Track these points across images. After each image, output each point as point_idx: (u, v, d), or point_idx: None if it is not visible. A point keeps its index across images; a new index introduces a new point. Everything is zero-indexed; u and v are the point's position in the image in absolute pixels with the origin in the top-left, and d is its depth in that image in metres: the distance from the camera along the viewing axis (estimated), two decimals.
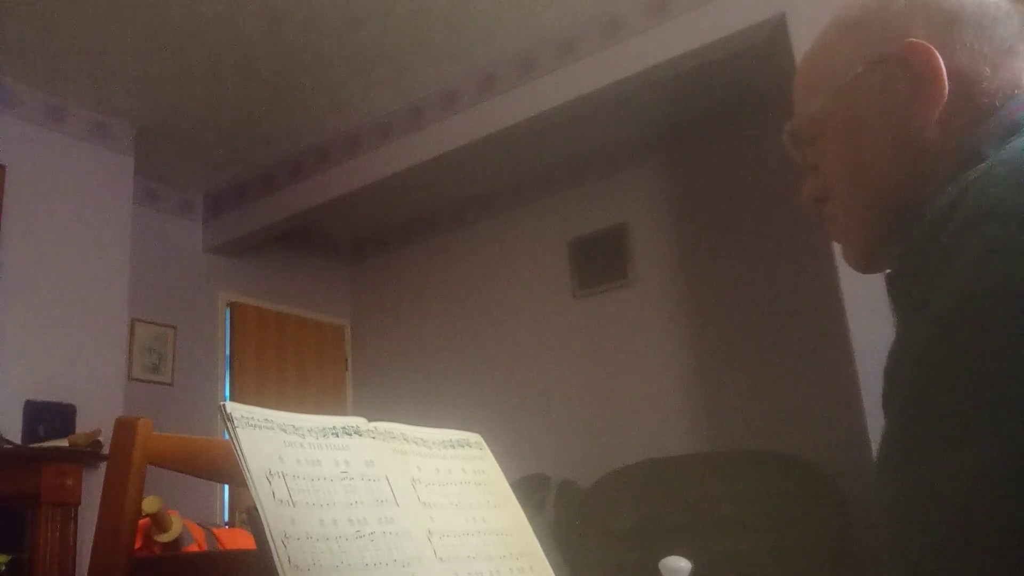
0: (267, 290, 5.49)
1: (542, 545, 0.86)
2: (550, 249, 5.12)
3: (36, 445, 3.37)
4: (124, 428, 0.84)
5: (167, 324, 4.80)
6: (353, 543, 0.69)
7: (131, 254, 4.19)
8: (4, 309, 3.61)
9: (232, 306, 5.28)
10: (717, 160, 4.58)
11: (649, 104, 4.34)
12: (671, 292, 4.63)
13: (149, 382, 4.62)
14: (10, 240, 3.67)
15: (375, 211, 5.51)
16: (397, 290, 5.85)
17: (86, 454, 3.38)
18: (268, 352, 5.39)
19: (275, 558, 0.63)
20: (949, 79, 0.69)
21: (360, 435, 0.79)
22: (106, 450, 1.95)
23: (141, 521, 2.25)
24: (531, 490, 4.29)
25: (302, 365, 5.59)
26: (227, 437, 0.71)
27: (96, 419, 3.59)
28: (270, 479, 0.68)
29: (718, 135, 4.56)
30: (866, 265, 0.80)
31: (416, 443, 0.85)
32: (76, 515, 3.32)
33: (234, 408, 0.71)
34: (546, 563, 0.85)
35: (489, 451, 0.93)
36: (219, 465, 0.89)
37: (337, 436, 0.77)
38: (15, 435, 3.44)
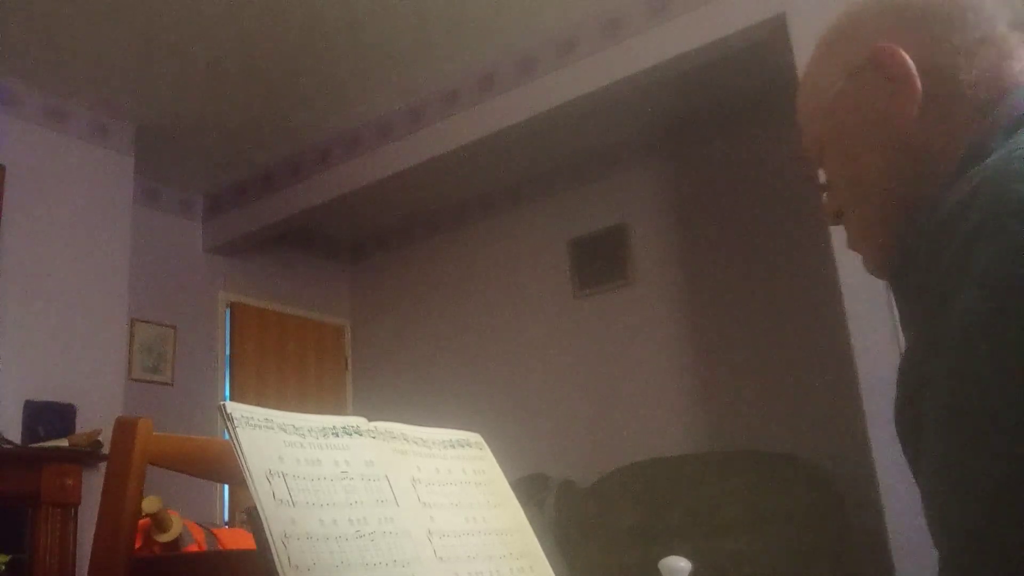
0: (267, 290, 5.49)
1: (542, 545, 0.86)
2: (550, 249, 5.11)
3: (36, 445, 3.37)
4: (124, 428, 0.84)
5: (167, 324, 4.80)
6: (353, 543, 0.69)
7: (131, 254, 4.19)
8: (4, 309, 3.60)
9: (232, 306, 5.28)
10: (717, 160, 4.58)
11: (649, 104, 4.34)
12: (671, 292, 4.63)
13: (149, 382, 4.62)
14: (10, 240, 3.67)
15: (375, 211, 5.51)
16: (397, 290, 5.85)
17: (86, 454, 3.38)
18: (268, 352, 5.39)
19: (275, 558, 0.63)
20: (921, 74, 0.70)
21: (360, 435, 0.79)
22: (106, 450, 1.95)
23: (141, 521, 2.25)
24: (531, 490, 4.29)
25: (302, 365, 5.59)
26: (227, 437, 0.71)
27: (96, 419, 3.59)
28: (270, 479, 0.68)
29: (718, 135, 4.56)
30: (884, 274, 0.80)
31: (416, 443, 0.85)
32: (76, 515, 3.32)
33: (234, 408, 0.71)
34: (546, 563, 0.85)
35: (489, 451, 0.93)
36: (219, 465, 0.89)
37: (337, 436, 0.77)
38: (15, 435, 3.44)
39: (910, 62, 0.71)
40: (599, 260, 4.90)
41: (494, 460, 0.92)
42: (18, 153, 3.79)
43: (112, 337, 4.01)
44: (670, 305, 4.61)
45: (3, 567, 3.07)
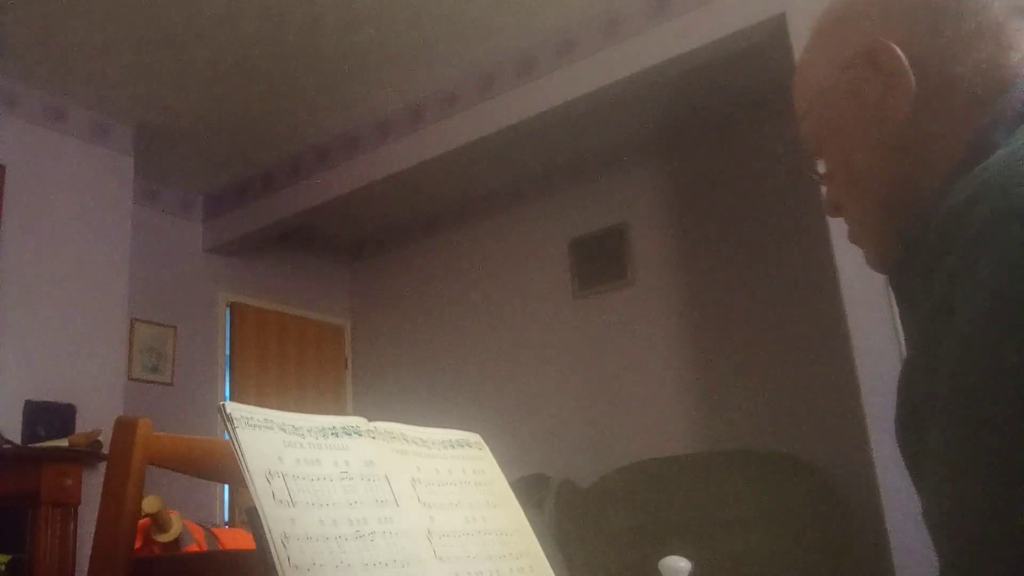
0: (267, 290, 5.49)
1: (542, 545, 0.86)
2: (550, 249, 5.12)
3: (36, 445, 3.37)
4: (124, 428, 0.84)
5: (167, 324, 4.80)
6: (353, 543, 0.69)
7: (131, 254, 4.19)
8: (4, 309, 3.60)
9: (232, 306, 5.28)
10: (717, 160, 4.58)
11: (649, 104, 4.34)
12: (671, 292, 4.63)
13: (149, 382, 4.62)
14: (10, 240, 3.67)
15: (375, 211, 5.51)
16: (397, 290, 5.85)
17: (86, 454, 3.38)
18: (268, 352, 5.39)
19: (275, 558, 0.63)
20: (914, 68, 0.68)
21: (360, 435, 0.79)
22: (106, 450, 1.95)
23: (141, 521, 2.25)
24: (531, 490, 4.29)
25: (302, 365, 5.59)
26: (227, 437, 0.71)
27: (96, 419, 3.59)
28: (270, 479, 0.68)
29: (718, 135, 4.56)
30: (885, 269, 0.78)
31: (416, 443, 0.85)
32: (76, 515, 3.32)
33: (234, 408, 0.71)
34: (546, 563, 0.85)
35: (489, 451, 0.93)
36: (219, 465, 0.89)
37: (337, 436, 0.77)
38: (15, 435, 3.44)
39: (903, 57, 0.69)
40: (599, 260, 4.90)
41: (494, 460, 0.92)
42: (18, 153, 3.79)
43: (112, 337, 4.01)
44: (670, 305, 4.61)
45: (3, 567, 3.07)
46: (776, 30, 3.23)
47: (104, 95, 4.01)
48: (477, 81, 4.05)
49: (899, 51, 0.69)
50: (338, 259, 6.09)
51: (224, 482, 1.66)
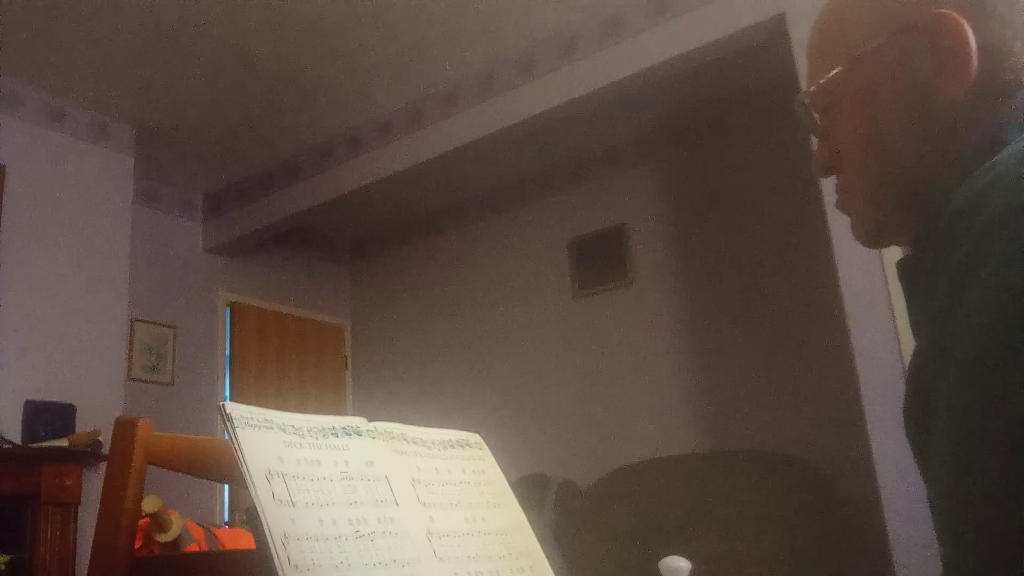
0: (267, 290, 5.49)
1: (542, 545, 0.86)
2: (550, 249, 5.12)
3: (36, 445, 3.37)
4: (124, 428, 0.84)
5: (167, 324, 4.80)
6: (353, 543, 0.69)
7: (131, 254, 4.19)
8: (4, 309, 3.60)
9: (232, 306, 5.28)
10: (717, 160, 4.58)
11: (649, 104, 4.34)
12: (671, 292, 4.63)
13: (149, 382, 4.62)
14: (10, 240, 3.67)
15: (375, 211, 5.51)
16: (397, 290, 5.85)
17: (86, 454, 3.38)
18: (268, 352, 5.39)
19: (275, 558, 0.63)
20: (978, 53, 0.65)
21: (360, 435, 0.79)
22: (106, 450, 1.96)
23: (141, 521, 2.25)
24: (531, 490, 4.29)
25: (302, 365, 5.59)
26: (227, 437, 0.71)
27: (96, 419, 3.59)
28: (270, 479, 0.68)
29: (718, 135, 4.56)
30: (874, 240, 0.77)
31: (416, 443, 0.85)
32: (76, 515, 3.32)
33: (234, 408, 0.71)
34: (546, 563, 0.85)
35: (489, 451, 0.93)
36: (219, 465, 0.89)
37: (337, 436, 0.77)
38: (15, 435, 3.44)
39: (972, 39, 0.65)
40: (599, 260, 4.90)
41: (494, 460, 0.92)
42: (18, 153, 3.79)
43: (112, 337, 4.01)
44: (670, 305, 4.62)
45: (3, 567, 3.07)
46: (776, 30, 3.23)
47: (104, 95, 4.01)
48: (477, 81, 4.05)
49: (971, 33, 0.65)
50: (338, 259, 6.09)
51: (224, 482, 1.66)
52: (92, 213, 4.05)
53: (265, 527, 0.64)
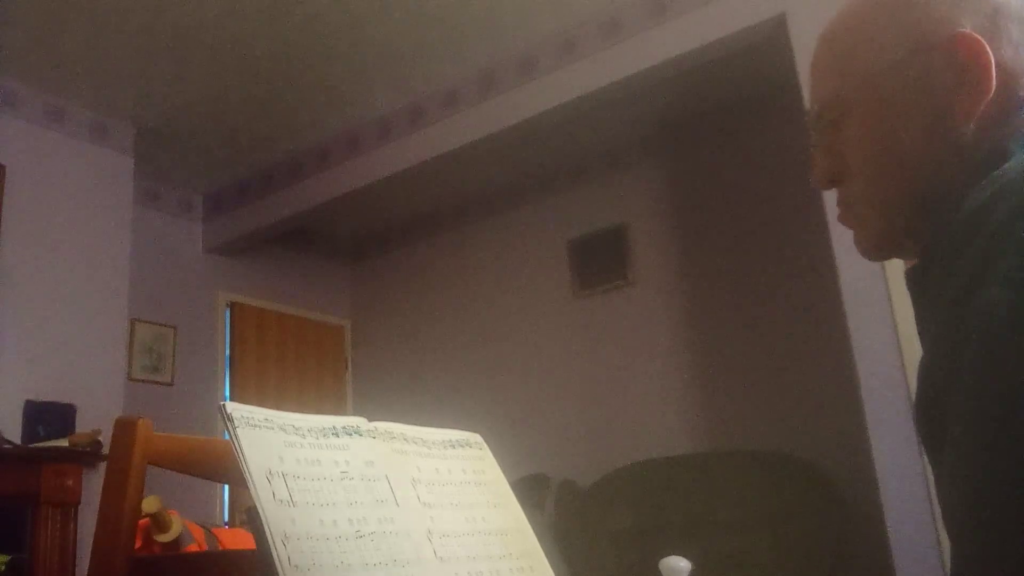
0: (267, 290, 5.49)
1: (542, 545, 0.86)
2: (550, 249, 5.12)
3: (36, 445, 3.37)
4: (124, 428, 0.84)
5: (167, 324, 4.80)
6: (353, 543, 0.69)
7: (131, 254, 4.19)
8: (4, 309, 3.60)
9: (232, 306, 5.28)
10: (717, 160, 4.58)
11: (649, 104, 4.34)
12: (671, 292, 4.63)
13: (149, 382, 4.62)
14: (10, 240, 3.67)
15: (375, 211, 5.51)
16: (397, 290, 5.85)
17: (86, 454, 3.38)
18: (268, 352, 5.39)
19: (275, 558, 0.63)
20: (998, 73, 0.67)
21: (360, 435, 0.79)
22: (106, 450, 1.96)
23: (141, 521, 2.25)
24: (531, 490, 4.29)
25: (302, 365, 5.59)
26: (227, 437, 0.71)
27: (96, 419, 3.59)
28: (270, 479, 0.68)
29: (718, 135, 4.56)
30: (878, 250, 0.78)
31: (416, 443, 0.85)
32: (76, 515, 3.32)
33: (234, 408, 0.71)
34: (546, 563, 0.85)
35: (489, 451, 0.93)
36: (219, 465, 0.89)
37: (337, 436, 0.77)
38: (15, 435, 3.44)
39: (992, 61, 0.67)
40: (599, 260, 4.90)
41: (494, 460, 0.92)
42: (18, 153, 3.79)
43: (112, 337, 4.01)
44: (670, 305, 4.62)
45: (3, 567, 3.07)
46: (776, 30, 3.23)
47: (104, 95, 4.01)
48: (477, 81, 4.05)
49: (990, 53, 0.68)
50: (338, 259, 6.09)
51: (224, 482, 1.66)
52: (92, 213, 4.04)
53: (265, 527, 0.64)
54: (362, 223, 5.77)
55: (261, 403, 0.73)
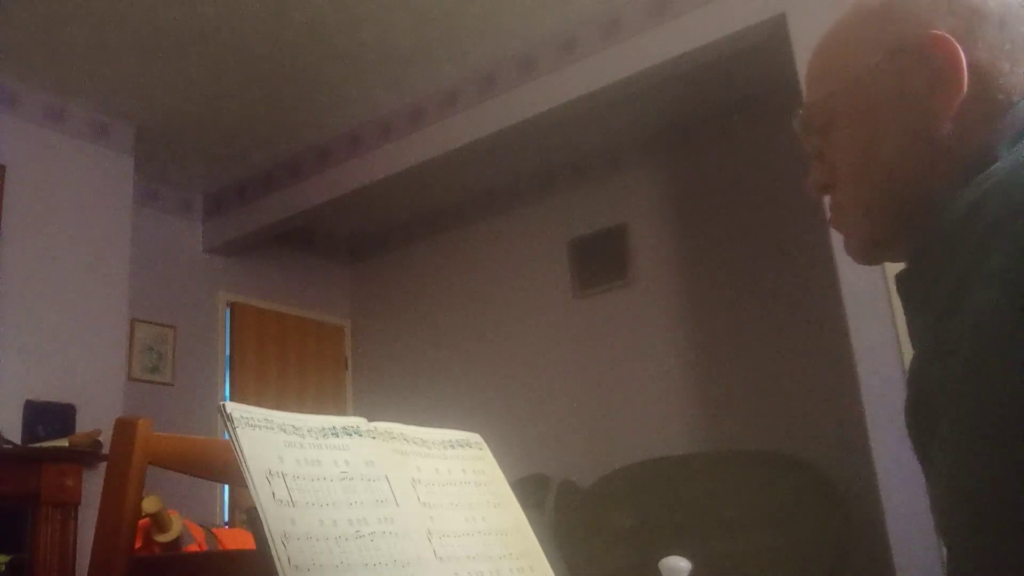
0: (267, 290, 5.49)
1: (542, 545, 0.86)
2: (550, 249, 5.11)
3: (36, 445, 3.37)
4: (124, 428, 0.84)
5: (167, 324, 4.80)
6: (353, 543, 0.69)
7: (131, 254, 4.19)
8: (4, 309, 3.61)
9: (232, 306, 5.28)
10: (717, 160, 4.58)
11: (649, 104, 4.34)
12: (671, 292, 4.63)
13: (149, 382, 4.62)
14: (10, 240, 3.67)
15: (375, 211, 5.51)
16: (397, 290, 5.85)
17: (86, 454, 3.38)
18: (268, 352, 5.39)
19: (275, 558, 0.63)
20: (968, 74, 0.68)
21: (360, 435, 0.79)
22: (106, 450, 1.96)
23: (141, 521, 2.25)
24: (531, 490, 4.29)
25: (302, 365, 5.59)
26: (227, 437, 0.71)
27: (96, 419, 3.59)
28: (270, 479, 0.68)
29: (718, 135, 4.56)
30: (867, 256, 0.80)
31: (416, 443, 0.85)
32: (76, 515, 3.32)
33: (234, 408, 0.71)
34: (546, 563, 0.85)
35: (489, 451, 0.93)
36: (219, 465, 0.89)
37: (337, 436, 0.77)
38: (15, 435, 3.44)
39: (964, 61, 0.68)
40: (599, 260, 4.90)
41: (494, 460, 0.92)
42: (18, 153, 3.79)
43: (112, 337, 4.01)
44: (670, 305, 4.61)
45: (3, 567, 3.07)
46: (776, 30, 3.23)
47: (104, 95, 4.01)
48: (477, 81, 4.05)
49: (962, 54, 0.68)
50: (338, 259, 6.09)
51: (224, 482, 1.66)
52: (92, 213, 4.04)
53: (265, 527, 0.64)
54: (362, 223, 5.77)
55: (261, 403, 0.73)
